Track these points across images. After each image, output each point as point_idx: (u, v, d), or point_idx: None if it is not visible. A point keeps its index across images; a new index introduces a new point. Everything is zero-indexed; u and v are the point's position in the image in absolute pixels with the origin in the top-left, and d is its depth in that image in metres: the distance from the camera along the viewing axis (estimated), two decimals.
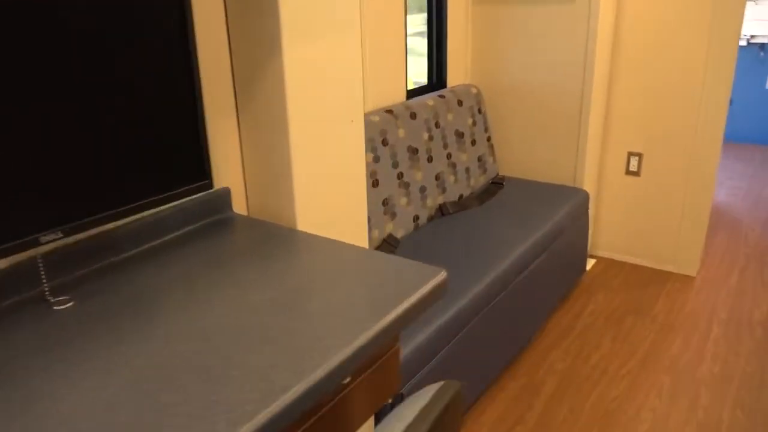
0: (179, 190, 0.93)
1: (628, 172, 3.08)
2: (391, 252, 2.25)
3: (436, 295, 0.99)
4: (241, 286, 0.97)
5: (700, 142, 2.84)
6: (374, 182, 2.26)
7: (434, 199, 2.59)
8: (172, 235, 1.16)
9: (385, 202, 2.31)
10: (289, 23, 1.12)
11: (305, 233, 1.17)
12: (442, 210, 2.61)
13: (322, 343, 0.82)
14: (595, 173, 3.09)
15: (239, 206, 1.33)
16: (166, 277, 1.01)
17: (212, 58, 1.20)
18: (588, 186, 2.99)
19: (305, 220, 1.27)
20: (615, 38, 2.91)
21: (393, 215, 2.35)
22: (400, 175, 2.39)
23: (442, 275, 1.00)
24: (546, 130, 2.96)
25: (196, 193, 0.99)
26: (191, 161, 0.96)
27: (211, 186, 1.01)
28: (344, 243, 1.13)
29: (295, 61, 1.15)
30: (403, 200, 2.41)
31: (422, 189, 2.51)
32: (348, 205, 1.39)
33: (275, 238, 1.15)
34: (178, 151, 0.94)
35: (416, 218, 2.48)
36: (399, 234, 2.39)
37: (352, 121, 1.35)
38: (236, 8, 1.19)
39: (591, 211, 3.14)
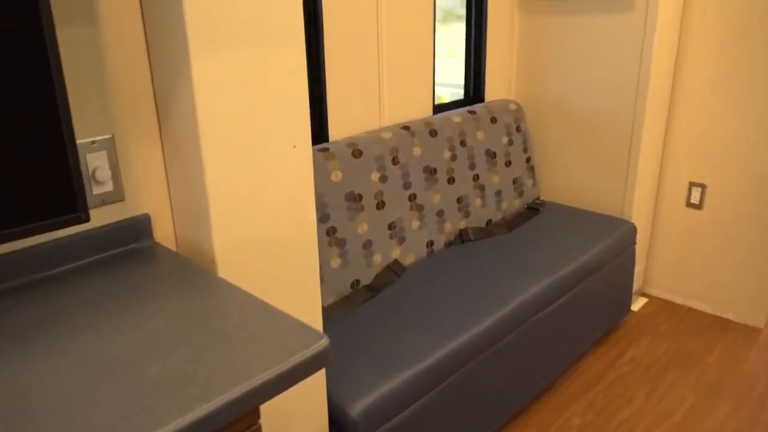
0: (32, 225, 0.83)
1: (689, 205, 2.73)
2: (393, 279, 2.09)
3: (313, 365, 0.83)
4: (88, 333, 0.86)
5: None
6: (379, 204, 2.10)
7: (454, 224, 2.39)
8: (72, 264, 1.08)
9: (391, 226, 2.15)
10: (198, 35, 1.00)
11: (207, 273, 1.05)
12: (462, 236, 2.41)
13: (133, 422, 0.69)
14: (650, 204, 2.76)
15: (165, 234, 1.22)
16: (21, 315, 0.92)
17: (128, 69, 1.11)
18: (638, 218, 2.67)
19: (228, 259, 1.15)
20: (679, 53, 2.58)
21: (401, 240, 2.18)
22: (412, 197, 2.22)
23: (322, 344, 0.84)
24: (593, 153, 2.68)
25: (67, 227, 0.89)
26: (54, 192, 0.86)
27: (86, 219, 0.91)
28: (241, 291, 0.99)
29: (209, 78, 1.02)
30: (415, 224, 2.23)
31: (440, 212, 2.33)
32: (289, 243, 1.25)
33: (172, 276, 1.04)
34: (33, 181, 0.84)
35: (430, 244, 2.30)
36: (408, 260, 2.22)
37: (294, 146, 1.21)
38: (151, 15, 1.08)
39: (643, 246, 2.81)
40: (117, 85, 1.09)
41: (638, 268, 2.84)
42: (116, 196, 1.12)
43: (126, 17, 1.08)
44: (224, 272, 1.15)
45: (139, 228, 1.15)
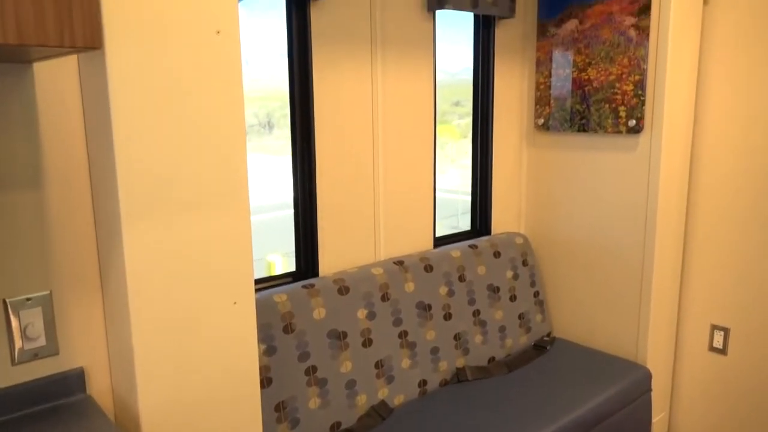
0: None
1: (712, 349, 2.54)
2: (377, 423, 2.00)
3: None
4: None
5: None
6: (365, 341, 2.06)
7: (451, 362, 2.30)
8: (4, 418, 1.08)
9: (378, 365, 2.09)
10: (131, 198, 1.05)
11: None
12: (458, 375, 2.31)
13: None
14: (668, 347, 2.59)
15: (102, 388, 1.22)
16: None
17: (72, 228, 1.16)
18: (655, 361, 2.50)
19: (156, 422, 1.12)
20: (691, 189, 2.52)
21: (389, 379, 2.11)
22: (403, 334, 2.17)
23: None
24: (604, 290, 2.57)
25: None
26: None
27: None
28: None
29: (140, 239, 1.06)
30: (406, 362, 2.16)
31: (434, 350, 2.25)
32: (227, 408, 1.22)
33: None
34: None
35: (423, 383, 2.21)
36: (396, 401, 2.13)
37: (234, 303, 1.22)
38: (95, 177, 1.14)
39: (663, 392, 2.61)
40: (59, 243, 1.15)
41: (660, 416, 2.62)
42: (50, 351, 1.14)
43: (74, 179, 1.16)
44: None
45: (71, 383, 1.16)
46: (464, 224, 2.78)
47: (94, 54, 1.00)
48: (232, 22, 1.15)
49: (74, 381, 1.16)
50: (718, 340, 2.52)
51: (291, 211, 2.22)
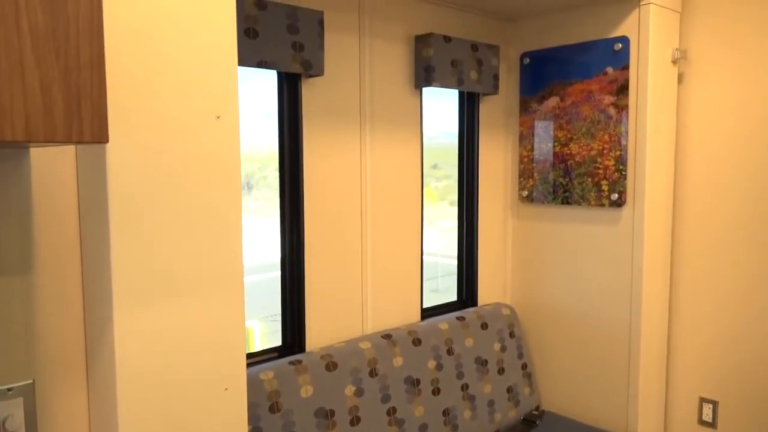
0: None
1: (702, 422, 2.52)
2: None
3: None
4: None
5: None
6: (353, 419, 2.00)
7: None
8: None
9: None
10: (124, 286, 1.03)
11: None
12: None
13: None
14: (658, 419, 2.56)
15: None
16: None
17: (61, 314, 1.13)
18: None
19: None
20: (674, 260, 2.55)
21: None
22: (391, 411, 2.11)
23: None
24: (592, 363, 2.56)
25: None
26: None
27: None
28: None
29: (132, 327, 1.03)
30: None
31: (423, 427, 2.19)
32: None
33: None
34: None
35: None
36: None
37: (226, 389, 1.18)
38: (87, 263, 1.12)
39: None
40: (46, 329, 1.11)
41: None
42: None
43: (65, 264, 1.13)
44: None
45: None
46: (444, 287, 2.77)
47: (95, 146, 1.01)
48: (231, 107, 1.17)
49: None
50: (707, 413, 2.50)
51: (269, 275, 2.20)
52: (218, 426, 1.16)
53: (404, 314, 2.40)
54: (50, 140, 0.74)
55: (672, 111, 2.47)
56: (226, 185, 1.15)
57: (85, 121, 0.76)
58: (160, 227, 1.06)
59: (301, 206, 2.04)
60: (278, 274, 2.10)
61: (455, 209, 2.75)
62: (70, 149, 1.13)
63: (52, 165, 1.12)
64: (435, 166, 3.08)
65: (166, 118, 1.07)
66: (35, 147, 1.09)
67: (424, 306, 2.53)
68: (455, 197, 2.74)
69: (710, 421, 2.49)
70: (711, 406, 2.49)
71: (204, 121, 1.12)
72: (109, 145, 0.97)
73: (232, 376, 1.19)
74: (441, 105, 2.69)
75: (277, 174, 2.08)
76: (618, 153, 2.40)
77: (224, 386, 1.18)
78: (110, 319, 1.03)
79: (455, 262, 2.76)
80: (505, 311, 2.65)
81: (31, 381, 1.09)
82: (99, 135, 0.77)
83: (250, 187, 2.95)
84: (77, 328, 1.15)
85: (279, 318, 2.14)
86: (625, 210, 2.41)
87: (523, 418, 2.57)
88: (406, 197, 2.37)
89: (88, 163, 1.07)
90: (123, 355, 1.03)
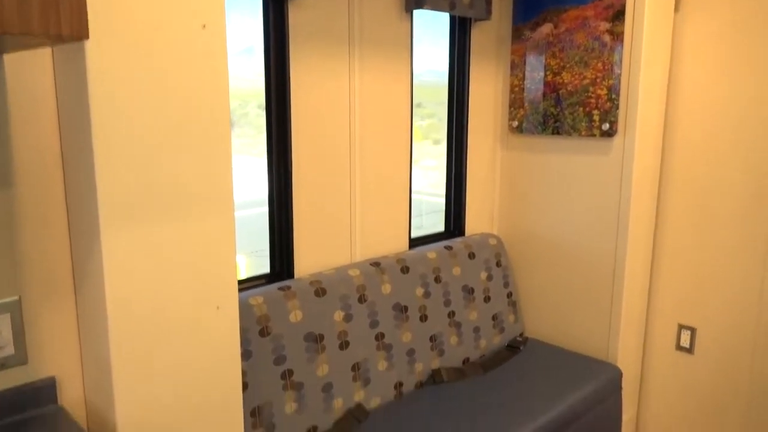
0: None
1: (679, 348, 2.60)
2: (354, 426, 1.97)
3: None
4: None
5: None
6: (342, 344, 2.03)
7: (427, 364, 2.29)
8: None
9: (355, 367, 2.06)
10: (111, 205, 1.00)
11: None
12: (434, 377, 2.29)
13: None
14: (637, 346, 2.64)
15: (75, 398, 1.16)
16: None
17: (44, 232, 1.10)
18: (625, 361, 2.54)
19: (133, 430, 1.07)
20: (661, 193, 2.57)
21: (366, 381, 2.08)
22: (379, 336, 2.14)
23: None
24: (576, 291, 2.60)
25: None
26: None
27: None
28: None
29: (120, 246, 1.01)
30: (382, 364, 2.14)
31: (410, 352, 2.23)
32: (209, 419, 1.17)
33: None
34: None
35: (399, 385, 2.19)
36: (372, 403, 2.10)
37: (218, 307, 1.17)
38: (70, 180, 1.09)
39: (633, 391, 2.65)
40: (30, 245, 1.08)
41: (629, 414, 2.67)
42: (18, 360, 1.07)
43: (47, 178, 1.09)
44: None
45: (41, 393, 1.09)
46: (428, 224, 2.77)
47: (73, 47, 0.95)
48: (218, 16, 1.11)
49: (45, 391, 1.10)
50: (685, 340, 2.58)
51: (254, 211, 2.17)
52: (211, 345, 1.16)
53: (393, 243, 2.40)
54: (25, 32, 0.68)
55: (667, 39, 2.41)
56: (213, 99, 1.10)
57: (63, 13, 0.70)
58: (145, 138, 1.02)
59: (288, 133, 1.99)
60: (262, 210, 2.08)
61: (439, 148, 2.72)
62: (47, 56, 1.07)
63: (28, 73, 1.06)
64: (419, 105, 3.03)
65: (151, 25, 1.01)
66: (9, 54, 1.03)
67: (413, 236, 2.53)
68: (439, 136, 2.71)
69: (687, 347, 2.57)
70: (689, 332, 2.56)
71: (189, 29, 1.06)
72: (89, 46, 0.91)
73: (223, 295, 1.18)
74: (428, 37, 2.60)
75: (259, 112, 2.03)
76: (611, 82, 2.35)
77: (216, 305, 1.17)
78: (97, 235, 1.00)
79: (440, 200, 2.76)
80: (492, 241, 2.66)
81: (17, 297, 1.07)
82: (78, 30, 0.72)
83: (231, 125, 2.88)
84: (63, 246, 1.12)
85: (265, 253, 2.13)
86: (616, 140, 2.39)
87: (508, 345, 2.63)
88: (395, 125, 2.33)
89: (67, 69, 1.01)
90: (112, 274, 1.01)
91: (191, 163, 1.08)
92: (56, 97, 1.10)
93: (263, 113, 2.04)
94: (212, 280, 1.15)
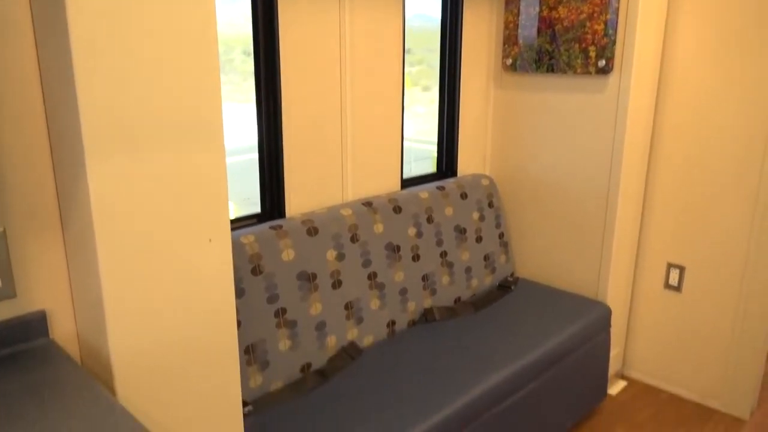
0: None
1: (668, 286, 2.63)
2: (348, 363, 1.99)
3: None
4: None
5: (756, 253, 2.37)
6: (335, 283, 2.03)
7: (419, 303, 2.30)
8: None
9: (348, 306, 2.06)
10: (95, 137, 0.95)
11: (93, 387, 0.97)
12: (426, 315, 2.31)
13: None
14: (627, 284, 2.67)
15: (66, 332, 1.15)
16: None
17: (27, 164, 1.06)
18: (614, 299, 2.57)
19: (128, 364, 1.06)
20: (654, 133, 2.54)
21: (359, 320, 2.10)
22: (372, 275, 2.14)
23: None
24: (568, 231, 2.61)
25: None
26: None
27: None
28: (121, 415, 0.90)
29: (106, 178, 0.97)
30: (375, 303, 2.15)
31: (403, 291, 2.24)
32: (203, 349, 1.17)
33: (54, 387, 0.95)
34: None
35: (391, 324, 2.21)
36: (366, 341, 2.12)
37: (210, 240, 1.15)
38: (52, 111, 1.04)
39: (621, 327, 2.70)
40: (11, 176, 1.04)
41: (616, 351, 2.72)
42: (6, 293, 1.05)
43: (27, 103, 1.04)
44: (122, 381, 1.06)
45: (31, 327, 1.08)
46: (417, 171, 2.74)
47: None
48: None
49: (35, 325, 1.09)
50: (674, 278, 2.61)
51: (241, 157, 2.14)
52: (204, 278, 1.15)
53: (385, 184, 2.38)
54: None
55: None
56: (201, 27, 1.04)
57: None
58: (128, 57, 0.97)
59: (277, 76, 1.93)
60: (249, 157, 2.04)
61: (429, 95, 2.66)
62: None
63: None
64: (408, 51, 2.95)
65: None
66: None
67: (404, 177, 2.50)
68: (429, 83, 2.65)
69: (676, 285, 2.61)
70: (678, 271, 2.59)
71: None
72: None
73: (215, 227, 1.15)
74: None
75: (244, 58, 1.96)
76: (608, 16, 2.29)
77: (208, 237, 1.15)
78: (83, 166, 0.97)
79: (429, 147, 2.72)
80: (485, 182, 2.64)
81: (1, 230, 1.04)
82: None
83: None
84: (47, 177, 1.09)
85: (254, 201, 2.10)
86: (612, 78, 2.35)
87: (499, 284, 2.65)
88: (387, 64, 2.26)
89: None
90: (99, 205, 0.98)
91: (179, 91, 1.04)
92: (32, 19, 1.04)
93: (249, 59, 1.98)
94: (203, 212, 1.12)
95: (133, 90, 0.98)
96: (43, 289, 1.11)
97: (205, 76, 1.06)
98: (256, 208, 2.09)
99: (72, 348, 1.16)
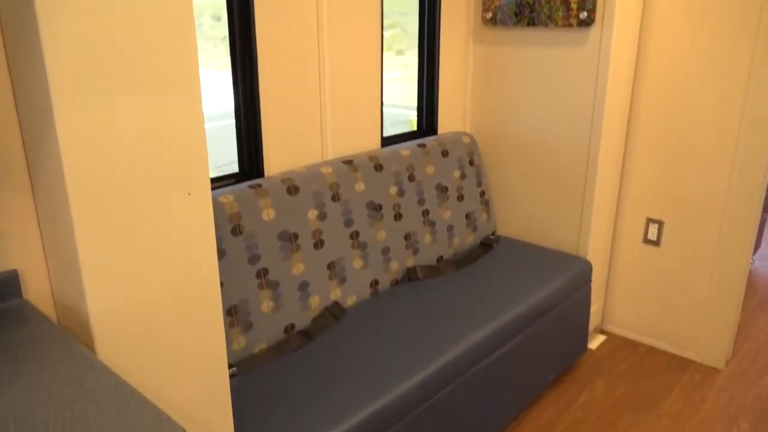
0: None
1: (647, 241, 2.66)
2: (331, 323, 1.97)
3: None
4: None
5: (734, 208, 2.39)
6: (317, 243, 1.99)
7: (401, 262, 2.28)
8: None
9: (331, 266, 2.03)
10: (63, 88, 0.89)
11: (70, 345, 0.92)
12: (409, 274, 2.30)
13: None
14: (607, 240, 2.68)
15: (40, 291, 1.10)
16: None
17: None
18: (595, 254, 2.59)
19: (107, 323, 1.02)
20: (635, 88, 2.53)
21: (342, 280, 2.07)
22: (354, 235, 2.11)
23: None
24: (548, 188, 2.60)
25: None
26: None
27: None
28: (102, 373, 0.87)
29: (76, 130, 0.91)
30: (358, 263, 2.12)
31: (385, 250, 2.22)
32: (184, 305, 1.13)
33: (28, 347, 0.91)
34: None
35: (375, 283, 2.19)
36: (349, 301, 2.10)
37: (189, 193, 1.10)
38: (16, 63, 0.97)
39: (600, 282, 2.73)
40: None
41: (596, 306, 2.76)
42: None
43: None
44: (103, 341, 1.02)
45: (3, 287, 1.03)
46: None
47: None
48: None
49: (7, 285, 1.03)
50: (653, 233, 2.63)
51: (215, 123, 2.07)
52: (184, 234, 1.10)
53: (365, 142, 2.33)
54: None
55: None
56: None
57: None
58: (99, 5, 0.90)
59: (253, 38, 1.85)
60: (223, 123, 1.97)
61: (403, 59, 2.60)
62: None
63: None
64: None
65: None
66: None
67: (385, 135, 2.45)
68: (403, 46, 2.58)
69: (655, 239, 2.63)
70: (657, 225, 2.61)
71: None
72: None
73: (194, 180, 1.10)
74: None
75: (213, 23, 1.87)
76: None
77: (187, 191, 1.09)
78: (50, 115, 0.90)
79: (405, 111, 2.66)
80: (466, 139, 2.61)
81: None
82: None
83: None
84: (11, 127, 1.02)
85: (231, 168, 2.03)
86: (593, 30, 2.31)
87: (481, 243, 2.64)
88: (365, 21, 2.19)
89: None
90: (70, 156, 0.92)
91: (151, 34, 0.97)
92: None
93: (218, 25, 1.90)
94: (181, 165, 1.07)
95: (101, 27, 0.91)
96: (14, 248, 1.05)
97: (178, 13, 0.99)
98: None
99: (48, 308, 1.11)
